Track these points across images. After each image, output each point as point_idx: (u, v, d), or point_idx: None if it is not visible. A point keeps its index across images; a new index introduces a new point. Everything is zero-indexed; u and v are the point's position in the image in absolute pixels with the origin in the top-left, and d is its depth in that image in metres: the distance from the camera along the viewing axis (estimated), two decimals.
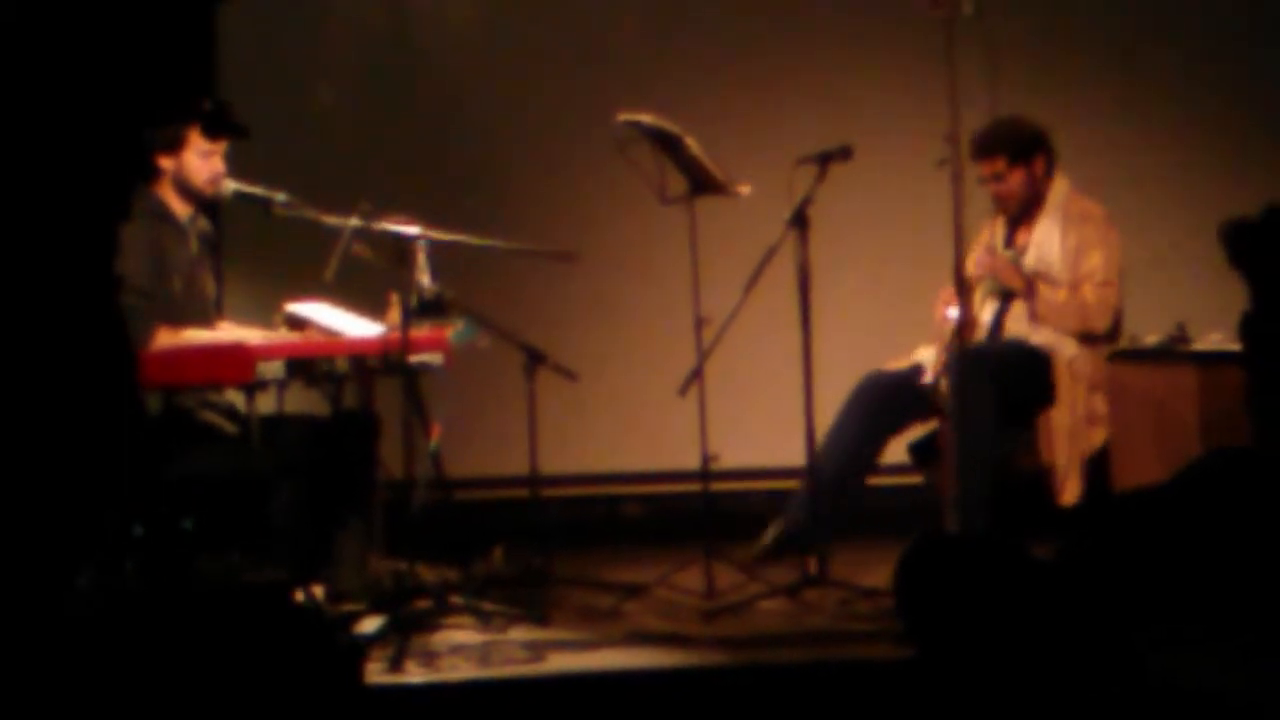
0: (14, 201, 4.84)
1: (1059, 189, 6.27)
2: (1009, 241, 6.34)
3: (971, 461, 5.79)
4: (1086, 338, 6.14)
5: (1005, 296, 6.27)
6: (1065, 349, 6.13)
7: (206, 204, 5.90)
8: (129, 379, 5.26)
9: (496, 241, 6.07)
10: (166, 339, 5.56)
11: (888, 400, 6.24)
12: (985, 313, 6.29)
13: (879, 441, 6.28)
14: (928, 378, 6.16)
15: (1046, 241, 6.23)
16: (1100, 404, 6.09)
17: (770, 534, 6.19)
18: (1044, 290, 6.16)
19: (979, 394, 5.87)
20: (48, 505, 4.69)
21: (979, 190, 6.21)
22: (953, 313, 5.81)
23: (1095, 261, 6.16)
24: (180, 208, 5.81)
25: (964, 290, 5.72)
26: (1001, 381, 5.97)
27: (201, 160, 5.75)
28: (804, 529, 5.94)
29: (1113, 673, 3.64)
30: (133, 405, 5.34)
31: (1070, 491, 6.04)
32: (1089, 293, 6.14)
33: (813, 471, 5.87)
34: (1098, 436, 6.09)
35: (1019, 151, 6.22)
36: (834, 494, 6.07)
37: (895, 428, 6.31)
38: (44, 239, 4.96)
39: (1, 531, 4.60)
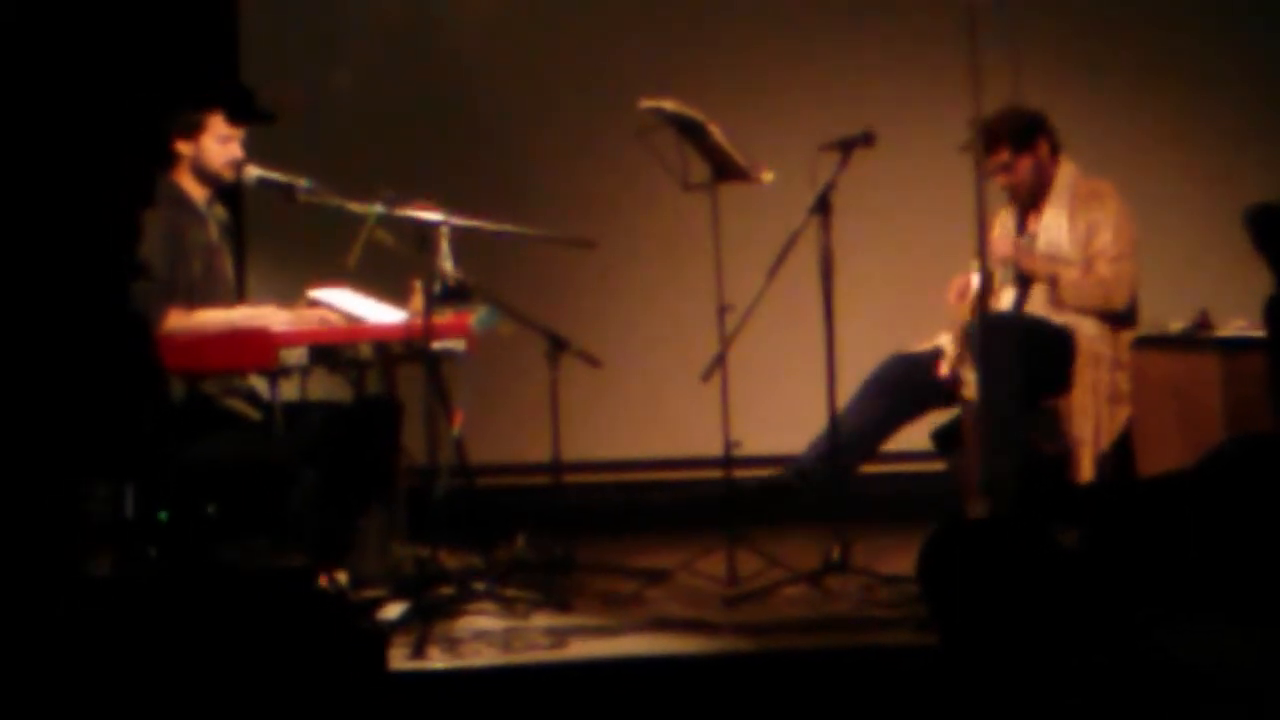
0: (36, 187, 4.86)
1: (1066, 172, 6.24)
2: (1020, 229, 6.32)
3: (997, 432, 5.78)
4: (1107, 316, 6.12)
5: (1024, 283, 6.26)
6: (1086, 329, 6.11)
7: (225, 189, 5.91)
8: (146, 362, 5.28)
9: (519, 228, 6.06)
10: (178, 321, 5.57)
11: (907, 383, 6.21)
12: (1005, 300, 6.27)
13: (891, 425, 6.23)
14: (944, 370, 6.13)
15: (1055, 225, 6.20)
16: (1123, 382, 6.07)
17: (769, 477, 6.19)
18: (1061, 271, 6.15)
19: (1003, 361, 5.84)
20: (58, 486, 4.71)
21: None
22: (976, 279, 5.77)
23: (1106, 238, 6.13)
24: (198, 193, 5.81)
25: (986, 273, 5.70)
26: (1025, 353, 5.94)
27: (219, 145, 5.76)
28: (806, 480, 5.96)
29: (1106, 647, 3.64)
30: (155, 390, 5.36)
31: (1091, 472, 6.03)
32: (1104, 268, 6.11)
33: (833, 436, 5.88)
34: (1121, 415, 6.07)
35: (1020, 139, 6.19)
36: (841, 462, 6.05)
37: (911, 414, 6.27)
38: (66, 223, 4.97)
39: (12, 511, 4.62)
